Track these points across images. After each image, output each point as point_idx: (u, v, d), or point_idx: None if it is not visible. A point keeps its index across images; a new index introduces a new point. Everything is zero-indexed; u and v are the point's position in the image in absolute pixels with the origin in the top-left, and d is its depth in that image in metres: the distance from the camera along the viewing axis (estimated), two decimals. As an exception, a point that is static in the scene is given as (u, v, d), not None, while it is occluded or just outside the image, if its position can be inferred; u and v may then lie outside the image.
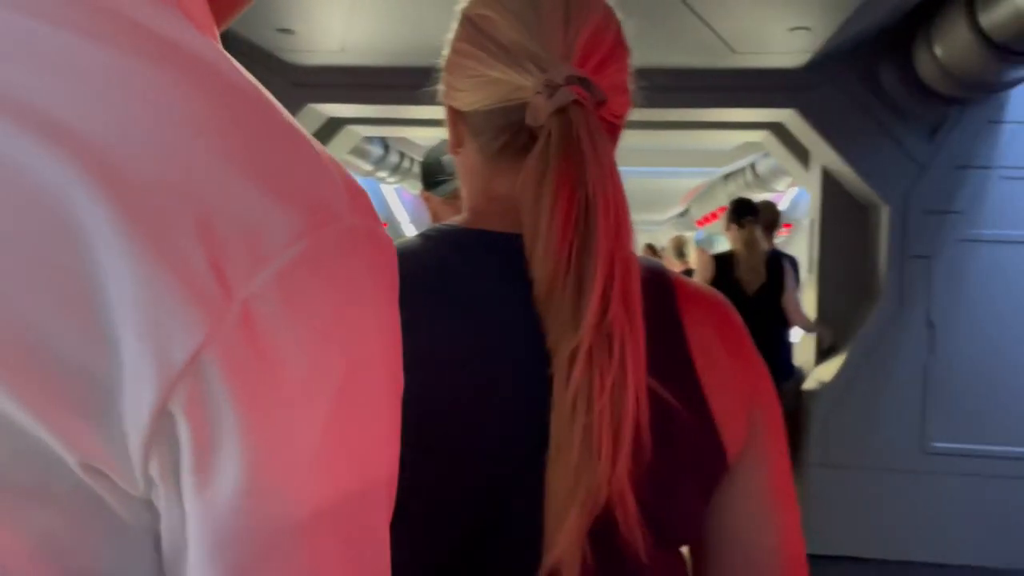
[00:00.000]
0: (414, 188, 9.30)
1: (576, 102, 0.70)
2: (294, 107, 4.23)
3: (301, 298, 0.34)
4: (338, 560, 0.37)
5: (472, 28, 0.77)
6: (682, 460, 0.73)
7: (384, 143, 7.14)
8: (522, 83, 0.72)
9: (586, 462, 0.65)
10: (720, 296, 0.84)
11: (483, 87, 0.75)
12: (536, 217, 0.69)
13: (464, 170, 0.82)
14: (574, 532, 0.65)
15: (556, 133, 0.70)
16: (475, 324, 0.71)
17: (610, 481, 0.65)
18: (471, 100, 0.77)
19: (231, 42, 4.10)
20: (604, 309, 0.66)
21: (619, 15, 0.81)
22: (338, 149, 5.15)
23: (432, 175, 2.13)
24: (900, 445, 4.02)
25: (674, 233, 10.21)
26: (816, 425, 4.13)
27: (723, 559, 0.80)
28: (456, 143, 0.82)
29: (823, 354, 4.41)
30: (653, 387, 0.69)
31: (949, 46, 3.45)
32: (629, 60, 0.80)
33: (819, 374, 4.31)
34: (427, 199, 2.12)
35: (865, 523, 4.05)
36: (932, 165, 3.99)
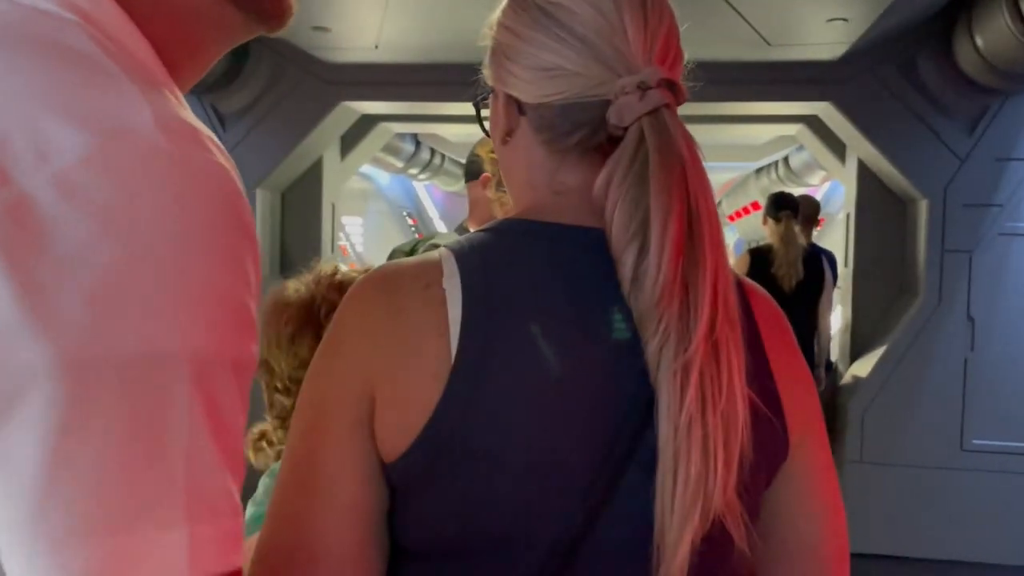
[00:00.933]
0: (445, 185, 9.33)
1: (667, 105, 0.70)
2: (328, 105, 4.27)
3: (80, 192, 0.42)
4: (108, 408, 0.41)
5: (541, 14, 0.74)
6: (760, 457, 0.73)
7: (416, 140, 7.18)
8: (605, 79, 0.71)
9: (705, 473, 0.65)
10: (769, 294, 0.85)
11: (557, 79, 0.73)
12: (644, 227, 0.67)
13: (516, 161, 0.80)
14: (689, 544, 0.65)
15: (652, 136, 0.69)
16: (568, 328, 0.70)
17: (725, 490, 0.66)
18: (541, 91, 0.74)
19: (266, 40, 4.15)
20: (713, 323, 0.66)
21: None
22: (371, 146, 5.20)
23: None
24: (938, 442, 3.96)
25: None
26: (852, 421, 4.09)
27: (768, 547, 0.79)
28: (508, 131, 0.79)
29: (859, 350, 4.36)
30: (747, 394, 0.69)
31: (990, 36, 3.39)
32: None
33: (856, 370, 4.26)
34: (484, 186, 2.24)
35: (902, 521, 4.00)
36: (971, 158, 3.92)
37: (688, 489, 0.64)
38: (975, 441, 3.93)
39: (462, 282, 0.70)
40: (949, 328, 3.96)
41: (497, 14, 0.79)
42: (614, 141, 0.72)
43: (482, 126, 0.89)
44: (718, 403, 0.66)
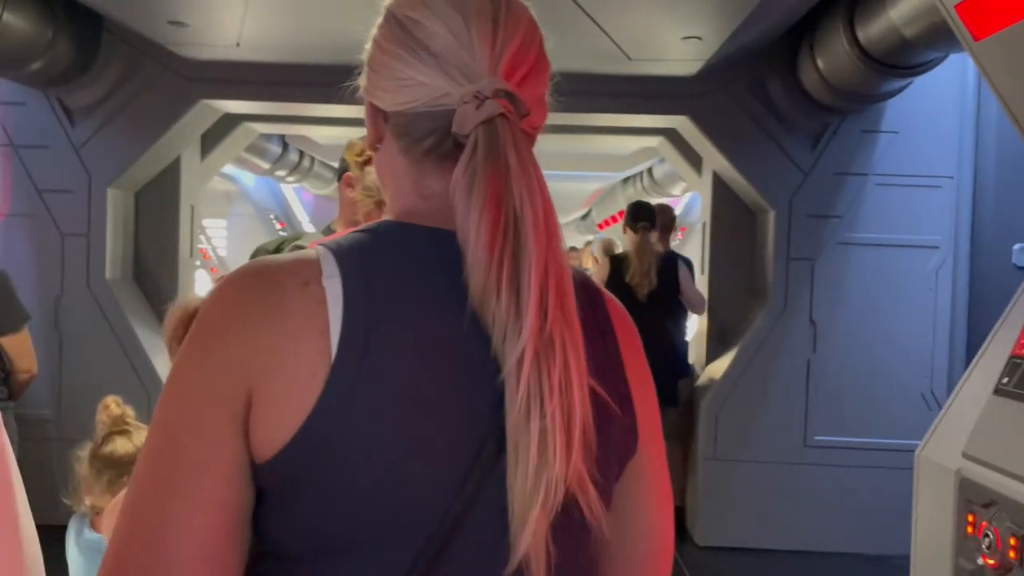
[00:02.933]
0: (315, 188, 9.15)
1: (502, 115, 0.74)
2: (186, 102, 4.11)
3: None
4: None
5: (400, 28, 0.78)
6: (612, 451, 0.78)
7: (283, 141, 7.01)
8: (449, 90, 0.75)
9: (543, 462, 0.68)
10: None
11: (408, 89, 0.77)
12: (467, 230, 0.72)
13: (386, 167, 0.84)
14: (539, 529, 0.68)
15: (483, 144, 0.73)
16: (440, 328, 0.73)
17: (567, 478, 0.69)
18: (396, 100, 0.78)
19: (120, 33, 3.95)
20: (543, 316, 0.69)
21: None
22: (234, 147, 5.03)
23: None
24: (783, 438, 4.22)
25: (591, 236, 10.38)
26: (707, 420, 4.29)
27: (612, 535, 0.83)
28: (376, 138, 0.84)
29: (714, 352, 4.58)
30: (594, 387, 0.73)
31: (830, 58, 3.65)
32: (549, 73, 0.83)
33: (710, 371, 4.47)
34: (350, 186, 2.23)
35: (751, 514, 4.23)
36: (814, 172, 4.20)
37: (528, 476, 0.68)
38: (817, 437, 4.21)
39: (343, 282, 0.71)
40: (794, 331, 4.22)
41: (373, 30, 0.83)
42: (462, 148, 0.75)
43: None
44: (555, 392, 0.69)
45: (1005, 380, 1.88)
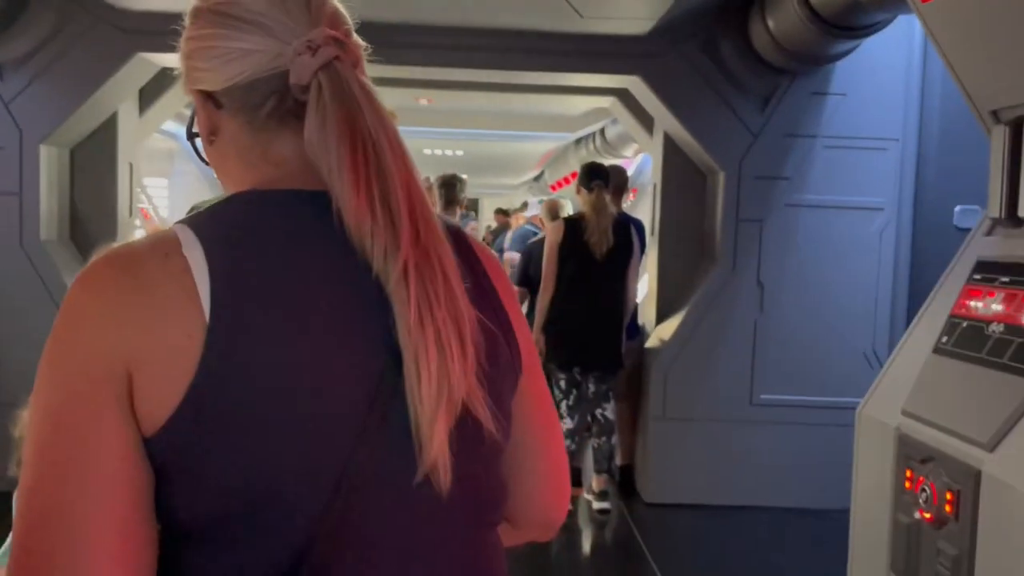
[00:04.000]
0: (261, 146, 8.93)
1: (337, 58, 0.78)
2: (122, 55, 3.95)
3: None
4: None
5: (212, 15, 0.81)
6: (503, 370, 0.83)
7: (227, 97, 6.81)
8: (280, 50, 0.79)
9: (443, 364, 0.73)
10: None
11: (236, 61, 0.80)
12: (331, 163, 0.75)
13: (227, 155, 0.85)
14: (444, 431, 0.72)
15: (327, 85, 0.77)
16: (314, 275, 0.75)
17: (465, 383, 0.74)
18: (225, 76, 0.81)
19: (48, -19, 3.76)
20: (415, 228, 0.75)
21: None
22: (174, 102, 4.86)
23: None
24: (730, 398, 4.29)
25: (535, 197, 10.35)
26: (656, 381, 4.34)
27: (514, 449, 0.89)
28: (210, 130, 0.85)
29: (664, 313, 4.61)
30: (476, 314, 0.78)
31: (780, 19, 3.65)
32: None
33: (660, 332, 4.51)
34: None
35: (700, 472, 4.31)
36: (763, 134, 4.22)
37: (432, 381, 0.72)
38: (763, 396, 4.29)
39: (204, 249, 0.72)
40: (742, 292, 4.27)
41: (180, 40, 0.86)
42: (304, 106, 0.79)
43: (200, 156, 0.94)
44: (441, 300, 0.74)
45: (944, 339, 1.92)
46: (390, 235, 0.74)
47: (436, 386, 0.72)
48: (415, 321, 0.72)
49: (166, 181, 8.48)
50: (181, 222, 0.76)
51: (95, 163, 4.32)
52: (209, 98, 0.83)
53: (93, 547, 0.66)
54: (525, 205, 9.05)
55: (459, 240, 0.86)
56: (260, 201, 0.79)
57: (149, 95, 4.59)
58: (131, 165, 4.48)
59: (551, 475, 0.94)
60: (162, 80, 4.48)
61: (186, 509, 0.70)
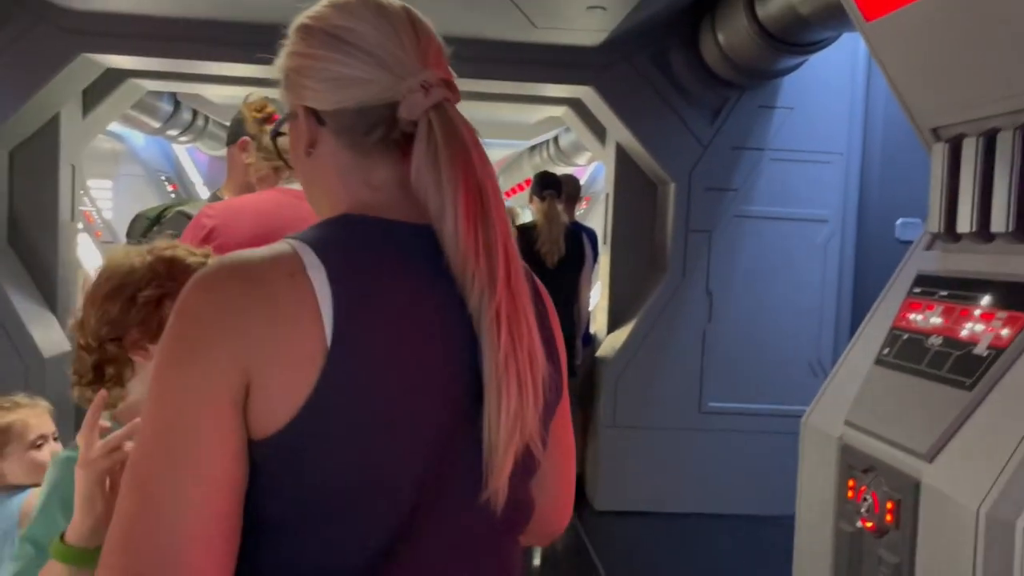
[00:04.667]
0: (210, 148, 8.78)
1: (447, 99, 0.86)
2: (65, 55, 3.85)
3: None
4: None
5: (328, 37, 0.87)
6: (551, 405, 0.91)
7: (175, 100, 6.67)
8: (392, 83, 0.85)
9: (521, 404, 0.80)
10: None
11: (349, 87, 0.86)
12: (443, 201, 0.82)
13: (323, 170, 0.90)
14: (511, 463, 0.81)
15: (439, 126, 0.83)
16: (408, 303, 0.82)
17: (534, 419, 0.82)
18: (335, 99, 0.86)
19: (-12, -23, 3.65)
20: (509, 274, 0.82)
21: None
22: (119, 104, 4.75)
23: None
24: (679, 405, 4.34)
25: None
26: (607, 388, 4.36)
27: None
28: (309, 143, 0.90)
29: (615, 321, 4.65)
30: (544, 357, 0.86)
31: (730, 34, 3.71)
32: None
33: (611, 340, 4.54)
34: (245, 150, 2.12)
35: (650, 479, 4.34)
36: (713, 145, 4.29)
37: (509, 416, 0.79)
38: (711, 403, 4.34)
39: (328, 272, 0.78)
40: (691, 301, 4.32)
41: (286, 47, 0.90)
42: (408, 137, 0.86)
43: (280, 156, 1.02)
44: (524, 344, 0.81)
45: (886, 351, 1.97)
46: (488, 278, 0.81)
47: (512, 422, 0.80)
48: (502, 361, 0.80)
49: (110, 183, 8.28)
50: (298, 239, 0.82)
51: (36, 165, 4.19)
52: (313, 114, 0.88)
53: (192, 534, 0.72)
54: None
55: (534, 285, 0.93)
56: (375, 228, 0.85)
57: (94, 96, 4.48)
58: (74, 167, 4.37)
59: (565, 492, 1.03)
60: (107, 81, 4.38)
61: (278, 503, 0.77)
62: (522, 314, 0.82)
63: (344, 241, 0.83)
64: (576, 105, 4.82)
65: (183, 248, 1.33)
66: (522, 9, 3.57)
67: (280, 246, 0.81)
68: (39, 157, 4.20)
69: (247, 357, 0.75)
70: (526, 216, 6.73)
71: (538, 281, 0.97)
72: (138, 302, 1.24)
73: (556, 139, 8.43)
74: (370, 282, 0.80)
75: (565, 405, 0.99)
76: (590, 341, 4.70)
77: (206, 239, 1.75)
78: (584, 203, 9.08)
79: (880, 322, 2.13)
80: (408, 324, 0.80)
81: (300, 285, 0.77)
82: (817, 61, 3.96)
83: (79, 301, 1.32)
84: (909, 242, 2.36)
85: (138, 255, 1.29)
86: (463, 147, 0.83)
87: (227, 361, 0.75)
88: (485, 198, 0.82)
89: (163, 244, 1.33)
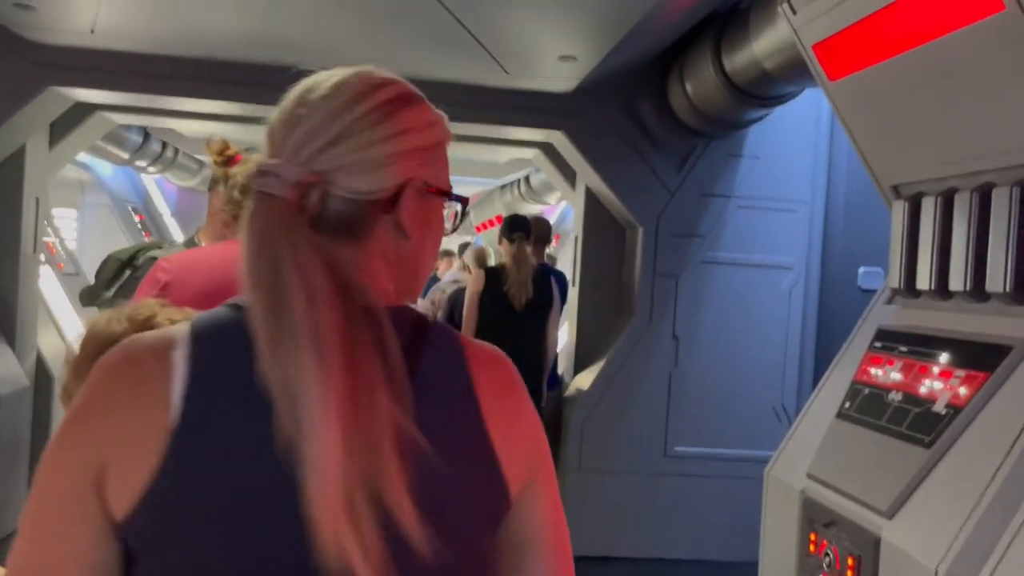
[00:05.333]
0: (179, 179, 8.71)
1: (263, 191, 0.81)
2: (33, 88, 3.82)
3: None
4: None
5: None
6: (473, 506, 0.82)
7: (145, 131, 6.63)
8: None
9: (337, 473, 0.73)
10: (500, 353, 0.91)
11: None
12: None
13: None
14: (332, 514, 0.73)
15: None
16: (257, 410, 0.76)
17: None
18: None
19: (-43, 8, 3.62)
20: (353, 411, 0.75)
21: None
22: (87, 136, 4.71)
23: None
24: (645, 449, 4.34)
25: (460, 239, 10.35)
26: (573, 431, 4.35)
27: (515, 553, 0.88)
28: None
29: (582, 364, 4.66)
30: (436, 460, 0.76)
31: (698, 85, 3.79)
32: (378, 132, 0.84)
33: (578, 383, 4.54)
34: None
35: (614, 524, 4.32)
36: (680, 192, 4.35)
37: (323, 487, 0.73)
38: (676, 448, 4.35)
39: (190, 353, 0.78)
40: (658, 345, 4.35)
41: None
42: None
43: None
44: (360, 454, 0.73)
45: (847, 404, 1.99)
46: (319, 416, 0.74)
47: (326, 494, 0.72)
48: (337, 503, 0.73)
49: (76, 212, 8.18)
50: (191, 322, 0.81)
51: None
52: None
53: None
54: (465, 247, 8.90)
55: (457, 356, 0.85)
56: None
57: (61, 128, 4.44)
58: (38, 200, 4.31)
59: None
60: (75, 113, 4.35)
61: None
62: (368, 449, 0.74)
63: (222, 317, 0.82)
64: (547, 148, 4.87)
65: (163, 314, 1.31)
66: (495, 57, 3.62)
67: (175, 328, 0.82)
68: (2, 189, 4.14)
69: (105, 440, 0.76)
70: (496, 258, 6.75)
71: (484, 366, 0.86)
72: None
73: (528, 178, 8.50)
74: (221, 360, 0.78)
75: (541, 489, 0.89)
76: (557, 383, 4.70)
77: (160, 294, 1.74)
78: (555, 241, 9.14)
79: (842, 375, 2.15)
80: (254, 401, 0.75)
81: (162, 367, 0.77)
82: (782, 112, 4.05)
83: (64, 372, 1.30)
84: (871, 290, 2.40)
85: (118, 322, 1.28)
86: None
87: (91, 443, 0.76)
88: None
89: (143, 309, 1.32)
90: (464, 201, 0.94)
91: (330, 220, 0.82)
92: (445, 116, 0.92)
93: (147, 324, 1.26)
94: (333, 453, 0.71)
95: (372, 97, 0.84)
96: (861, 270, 4.36)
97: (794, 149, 4.38)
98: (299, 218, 0.79)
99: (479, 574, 0.86)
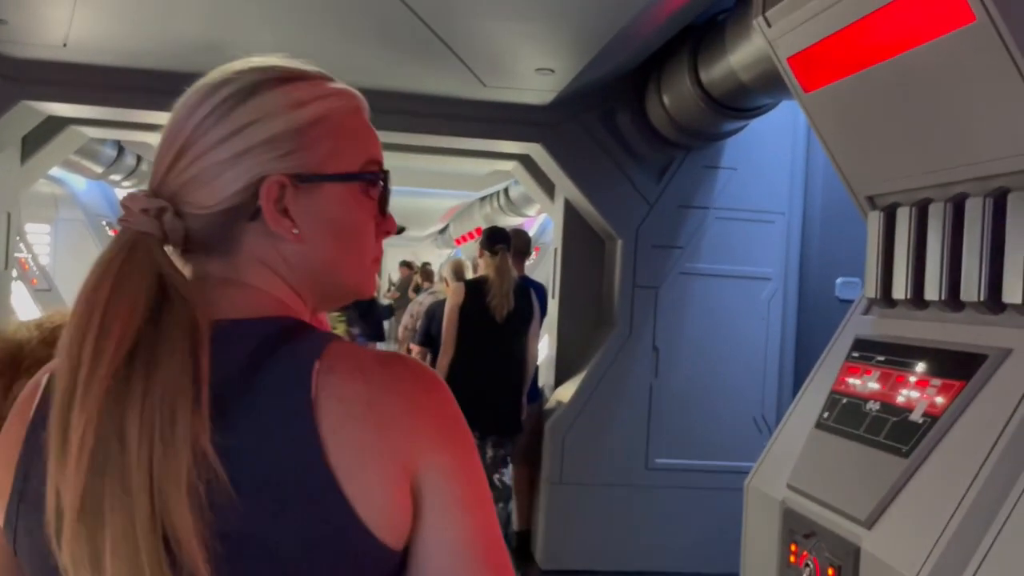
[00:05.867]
0: (155, 194, 8.60)
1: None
2: (6, 102, 3.77)
3: None
4: None
5: None
6: (308, 551, 0.67)
7: (119, 145, 6.57)
8: None
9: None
10: (371, 360, 0.74)
11: None
12: None
13: None
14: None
15: None
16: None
17: None
18: None
19: (-74, 21, 3.57)
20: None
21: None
22: (59, 151, 4.67)
23: None
24: (625, 462, 4.33)
25: (440, 252, 10.33)
26: (554, 444, 4.34)
27: None
28: None
29: (562, 376, 4.64)
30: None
31: (675, 97, 3.81)
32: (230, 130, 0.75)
33: (558, 395, 4.53)
34: None
35: (595, 537, 4.30)
36: (659, 203, 4.36)
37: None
38: (657, 460, 4.34)
39: (35, 407, 0.74)
40: (638, 357, 4.35)
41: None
42: None
43: None
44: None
45: (826, 415, 1.99)
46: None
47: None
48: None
49: (48, 227, 8.08)
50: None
51: (-31, 212, 4.08)
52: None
53: None
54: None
55: (300, 376, 0.69)
56: None
57: (33, 143, 4.39)
58: (9, 215, 4.25)
59: None
60: (47, 128, 4.30)
61: None
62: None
63: None
64: (526, 161, 4.88)
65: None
66: (473, 70, 3.62)
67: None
68: (-27, 204, 4.08)
69: None
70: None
71: (335, 391, 0.70)
72: None
73: (507, 190, 8.51)
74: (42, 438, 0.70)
75: (448, 530, 0.71)
76: (538, 396, 4.68)
77: None
78: (534, 253, 9.15)
79: (820, 385, 2.16)
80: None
81: (19, 422, 0.75)
82: (759, 124, 4.08)
83: None
84: (849, 300, 2.40)
85: (27, 329, 1.22)
86: None
87: None
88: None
89: (56, 317, 1.25)
90: (382, 174, 0.80)
91: (195, 240, 0.75)
92: (345, 88, 0.81)
93: (56, 333, 1.19)
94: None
95: (214, 96, 0.75)
96: (839, 280, 4.39)
97: (771, 161, 4.40)
98: (142, 241, 0.71)
99: None
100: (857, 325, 2.15)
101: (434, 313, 4.82)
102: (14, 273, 4.58)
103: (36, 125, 4.19)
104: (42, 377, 0.77)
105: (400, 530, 0.70)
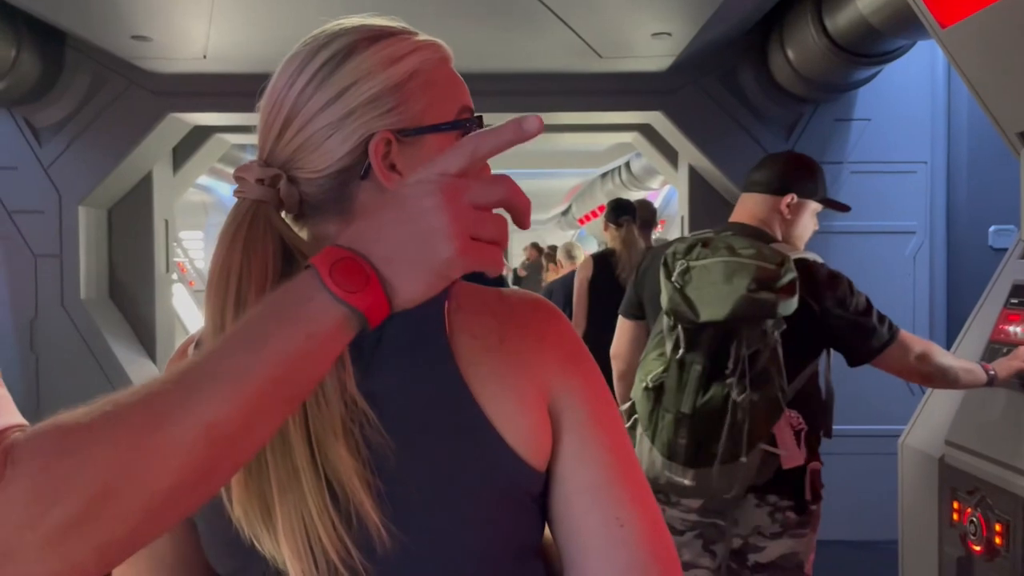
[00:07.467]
0: (292, 195, 9.05)
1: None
2: (155, 116, 4.07)
3: None
4: None
5: None
6: (464, 480, 0.72)
7: (257, 150, 6.94)
8: None
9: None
10: (496, 295, 0.81)
11: None
12: None
13: None
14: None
15: None
16: None
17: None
18: None
19: (84, 49, 3.90)
20: None
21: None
22: (207, 158, 4.99)
23: None
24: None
25: (564, 234, 10.37)
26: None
27: (576, 559, 0.75)
28: None
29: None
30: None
31: (799, 49, 3.66)
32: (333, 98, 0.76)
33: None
34: None
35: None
36: (789, 162, 4.20)
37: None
38: (803, 426, 4.21)
39: None
40: (776, 322, 4.22)
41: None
42: None
43: None
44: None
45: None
46: None
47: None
48: None
49: (201, 233, 8.64)
50: None
51: (132, 222, 4.43)
52: None
53: None
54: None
55: (442, 337, 0.75)
56: None
57: (183, 152, 4.71)
58: (167, 222, 4.59)
59: None
60: (195, 137, 4.61)
61: None
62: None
63: None
64: (646, 130, 4.81)
65: None
66: (587, 41, 3.61)
67: None
68: (135, 214, 4.43)
69: None
70: (589, 244, 6.70)
71: (470, 328, 0.77)
72: None
73: (628, 164, 8.41)
74: None
75: (590, 451, 0.76)
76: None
77: None
78: (660, 225, 9.01)
79: (976, 336, 2.05)
80: None
81: None
82: (893, 70, 3.86)
83: None
84: (1003, 249, 2.26)
85: None
86: None
87: None
88: None
89: None
90: (475, 120, 0.82)
91: (310, 203, 0.77)
92: (431, 40, 0.82)
93: None
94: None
95: (312, 63, 0.78)
96: (992, 228, 4.11)
97: (908, 108, 4.16)
98: (261, 210, 0.74)
99: (517, 556, 0.76)
100: (1015, 270, 2.02)
101: (552, 290, 4.85)
102: (174, 276, 4.95)
103: (184, 136, 4.49)
104: (189, 345, 0.81)
105: (543, 452, 0.76)
